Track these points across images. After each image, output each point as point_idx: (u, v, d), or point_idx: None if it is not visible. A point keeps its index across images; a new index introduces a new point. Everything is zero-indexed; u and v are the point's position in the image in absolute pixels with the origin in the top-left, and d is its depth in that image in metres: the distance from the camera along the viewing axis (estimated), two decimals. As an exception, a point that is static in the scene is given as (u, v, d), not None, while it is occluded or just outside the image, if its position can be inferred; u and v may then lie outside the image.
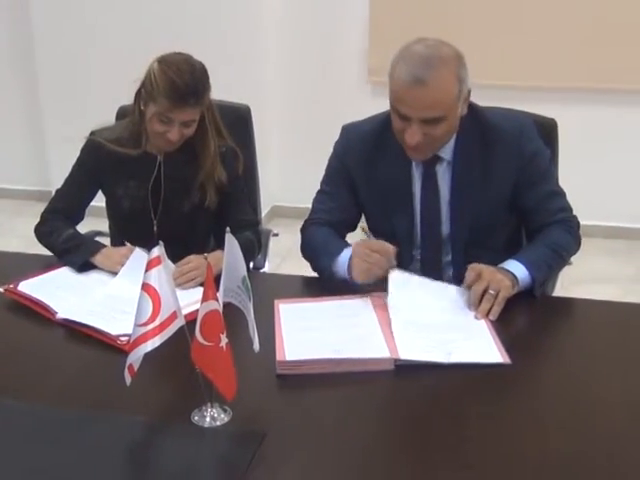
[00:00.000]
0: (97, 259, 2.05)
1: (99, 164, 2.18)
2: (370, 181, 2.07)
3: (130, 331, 1.43)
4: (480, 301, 1.81)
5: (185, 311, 1.50)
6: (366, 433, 1.45)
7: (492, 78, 3.94)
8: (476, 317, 1.80)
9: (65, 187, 2.23)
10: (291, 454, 1.38)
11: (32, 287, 1.94)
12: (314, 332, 1.75)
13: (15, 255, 2.36)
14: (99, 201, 2.28)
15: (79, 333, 1.78)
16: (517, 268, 1.89)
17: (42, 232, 2.17)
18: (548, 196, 2.03)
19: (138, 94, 2.09)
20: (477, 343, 1.70)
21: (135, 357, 1.41)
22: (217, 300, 1.39)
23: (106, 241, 2.36)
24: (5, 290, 1.93)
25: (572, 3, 3.96)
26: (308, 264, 2.10)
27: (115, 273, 2.00)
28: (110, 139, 2.16)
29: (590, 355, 1.70)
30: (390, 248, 1.88)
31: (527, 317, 1.88)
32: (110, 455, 1.39)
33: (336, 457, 1.38)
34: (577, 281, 3.29)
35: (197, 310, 1.39)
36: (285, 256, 3.71)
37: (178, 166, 2.17)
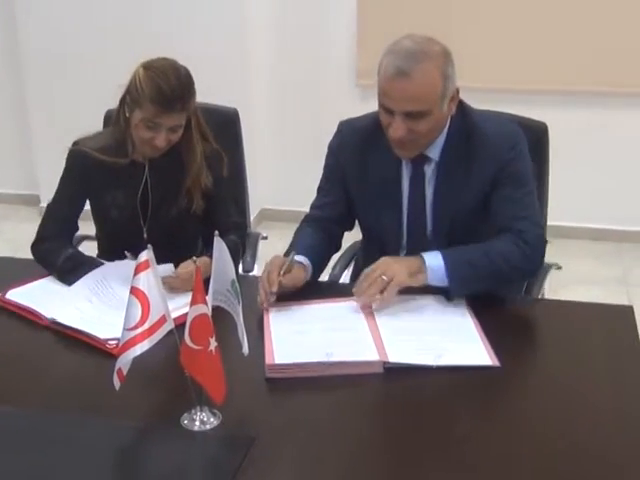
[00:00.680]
0: None
1: (86, 174, 2.15)
2: (361, 177, 2.07)
3: (119, 335, 1.43)
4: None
5: (174, 315, 1.50)
6: (356, 436, 1.45)
7: (483, 81, 3.96)
8: (360, 304, 1.82)
9: (56, 202, 2.20)
10: (281, 457, 1.38)
11: (20, 295, 1.94)
12: (303, 335, 1.75)
13: (1, 260, 2.35)
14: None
15: (68, 337, 1.78)
16: (431, 255, 1.87)
17: (40, 252, 2.13)
18: (509, 201, 1.95)
19: (123, 100, 2.07)
20: (466, 346, 1.71)
21: (124, 361, 1.40)
22: (206, 304, 1.39)
23: (94, 246, 2.36)
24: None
25: (564, 6, 3.97)
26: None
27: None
28: (95, 148, 2.13)
29: (578, 357, 1.71)
30: (272, 280, 1.83)
31: (515, 319, 1.88)
32: (99, 459, 1.39)
33: (326, 460, 1.38)
34: (565, 283, 3.31)
35: (186, 314, 1.39)
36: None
37: (164, 172, 2.16)
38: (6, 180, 4.98)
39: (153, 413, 1.51)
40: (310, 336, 1.74)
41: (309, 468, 1.37)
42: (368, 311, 1.83)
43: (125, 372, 1.41)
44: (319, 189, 2.18)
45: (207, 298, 1.42)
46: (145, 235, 2.18)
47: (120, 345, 1.41)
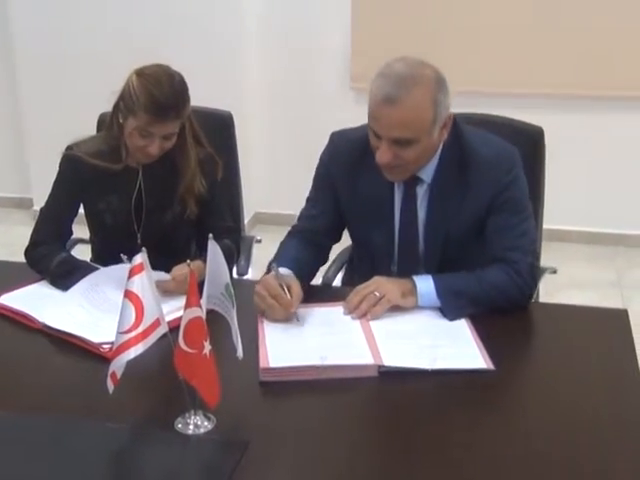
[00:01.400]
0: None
1: (80, 179, 2.14)
2: (352, 191, 2.04)
3: (113, 338, 1.42)
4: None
5: (168, 318, 1.50)
6: (350, 440, 1.45)
7: (479, 85, 3.97)
8: (352, 317, 1.82)
9: (49, 206, 2.19)
10: (275, 461, 1.38)
11: (13, 299, 1.93)
12: (297, 339, 1.74)
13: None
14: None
15: (61, 341, 1.77)
16: (422, 278, 1.87)
17: (33, 257, 2.12)
18: (503, 229, 1.93)
19: (116, 107, 2.06)
20: (461, 349, 1.70)
21: (118, 364, 1.40)
22: (200, 307, 1.39)
23: (87, 249, 2.35)
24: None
25: (560, 11, 3.98)
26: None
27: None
28: (89, 153, 2.12)
29: (572, 360, 1.71)
30: (288, 302, 1.80)
31: (510, 323, 1.88)
32: (93, 463, 1.38)
33: (320, 464, 1.37)
34: (559, 287, 3.31)
35: (180, 317, 1.38)
36: (268, 263, 3.69)
37: (158, 177, 2.15)
38: (-1, 183, 4.98)
39: (147, 417, 1.51)
40: (304, 340, 1.74)
41: (303, 472, 1.36)
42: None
43: (119, 376, 1.41)
44: (308, 199, 2.14)
45: (201, 301, 1.41)
46: (139, 240, 2.17)
47: (114, 348, 1.40)
